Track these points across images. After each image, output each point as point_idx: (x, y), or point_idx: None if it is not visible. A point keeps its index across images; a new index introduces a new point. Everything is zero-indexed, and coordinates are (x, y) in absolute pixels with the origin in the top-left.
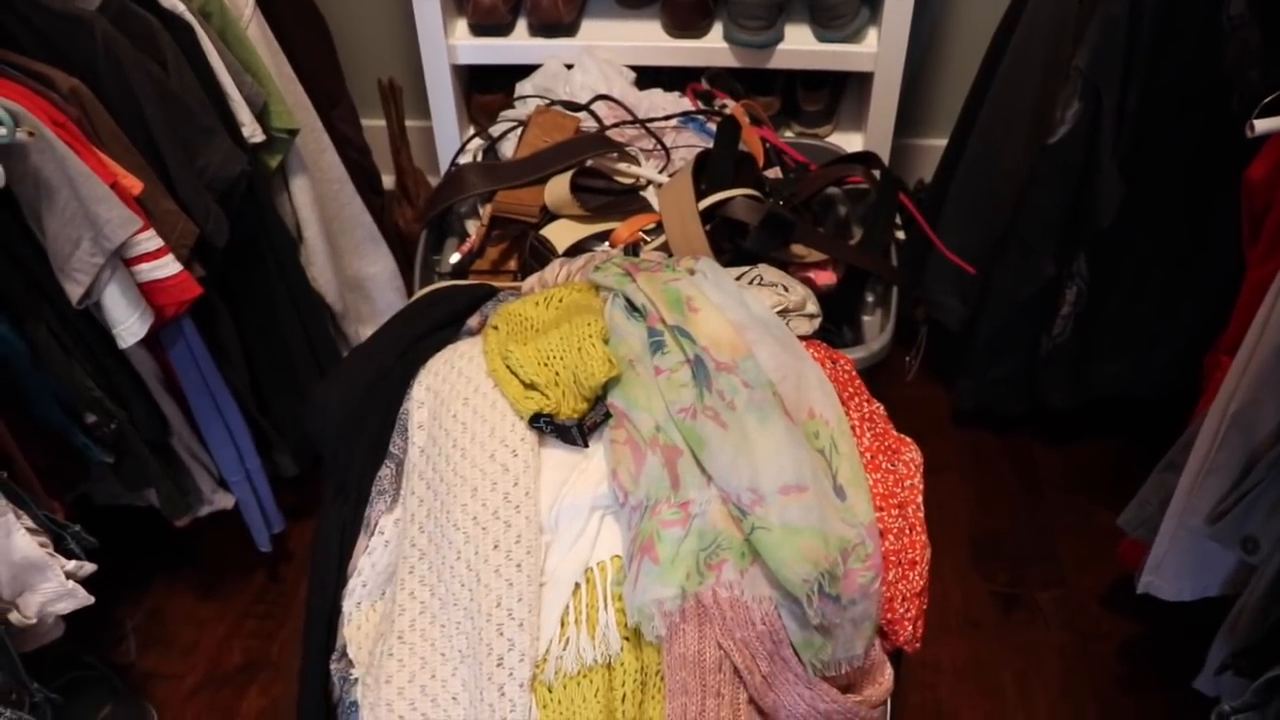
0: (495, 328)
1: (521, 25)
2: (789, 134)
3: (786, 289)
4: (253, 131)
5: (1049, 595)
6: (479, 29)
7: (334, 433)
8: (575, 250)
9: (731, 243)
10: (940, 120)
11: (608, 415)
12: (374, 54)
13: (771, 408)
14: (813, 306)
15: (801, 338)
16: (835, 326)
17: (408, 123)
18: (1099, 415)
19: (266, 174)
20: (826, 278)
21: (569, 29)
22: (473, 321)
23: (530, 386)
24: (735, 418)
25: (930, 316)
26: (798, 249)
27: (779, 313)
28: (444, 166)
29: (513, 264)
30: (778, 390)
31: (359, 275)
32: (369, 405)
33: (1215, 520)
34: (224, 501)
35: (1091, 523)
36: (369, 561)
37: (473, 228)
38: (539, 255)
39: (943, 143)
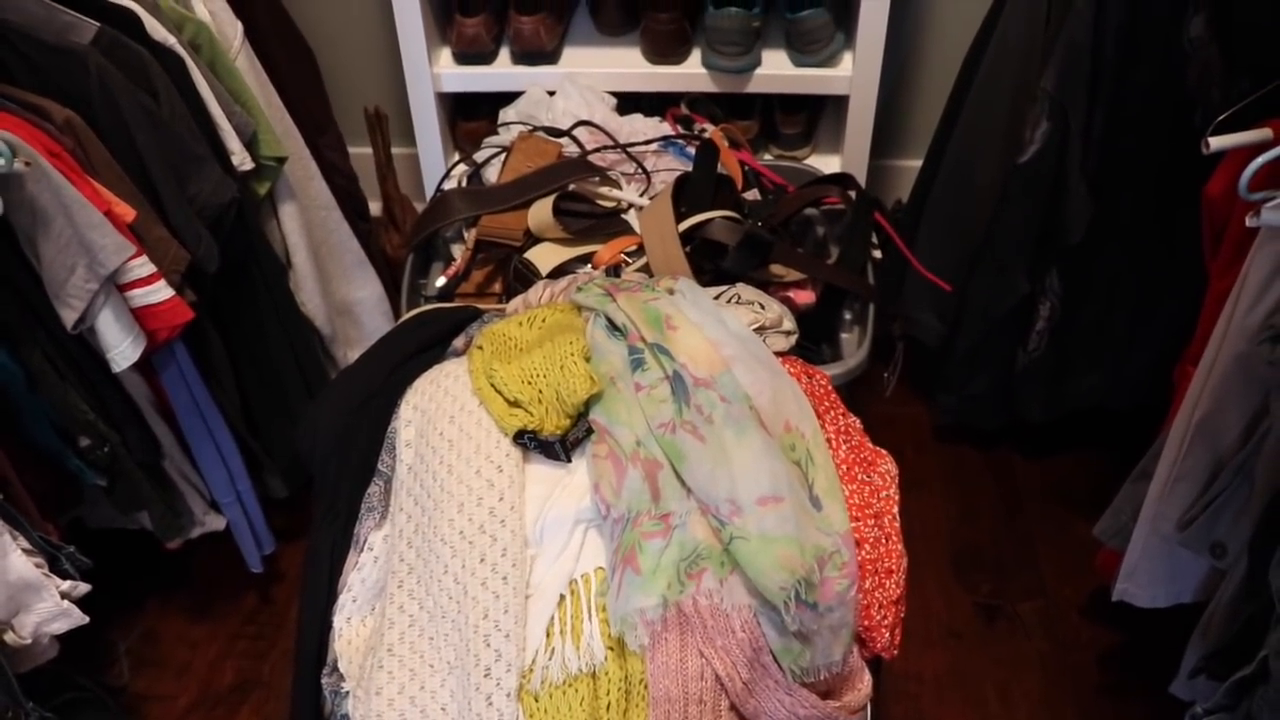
0: (480, 348)
1: (504, 53)
2: (768, 156)
3: (763, 307)
4: (242, 159)
5: (1030, 606)
6: (462, 57)
7: (324, 452)
8: (558, 272)
9: (711, 263)
10: (916, 142)
11: (590, 431)
12: (360, 83)
13: (748, 421)
14: (789, 324)
15: (778, 354)
16: (814, 344)
17: (394, 150)
18: (1078, 428)
19: (256, 201)
20: (805, 296)
21: (550, 57)
22: (458, 342)
23: (514, 404)
24: (713, 431)
25: (907, 333)
26: (776, 268)
27: (756, 330)
28: (429, 193)
29: (497, 287)
30: (754, 404)
31: (347, 300)
32: (358, 424)
33: (1184, 527)
34: (215, 523)
35: (1071, 534)
36: (359, 577)
37: (458, 252)
38: (523, 278)
39: (918, 164)
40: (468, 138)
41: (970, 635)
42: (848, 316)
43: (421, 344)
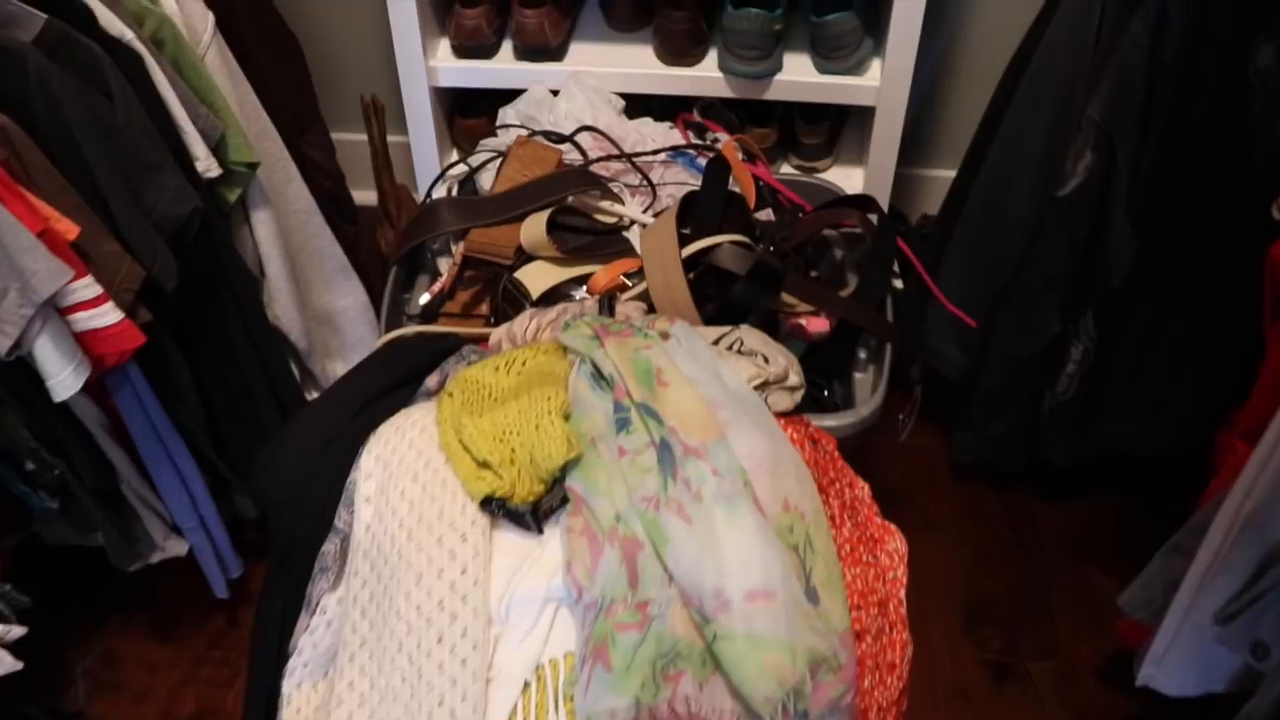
0: (450, 394)
1: (507, 47)
2: (786, 167)
3: (767, 360)
4: (207, 166)
5: (1043, 666)
6: (461, 50)
7: (279, 498)
8: (551, 295)
9: (718, 289)
10: (946, 151)
11: (565, 500)
12: (359, 69)
13: (741, 499)
14: (795, 377)
15: (781, 414)
16: (825, 381)
17: (393, 138)
18: (1103, 471)
19: (225, 208)
20: (819, 325)
21: (555, 53)
22: (431, 381)
23: (483, 465)
24: (701, 510)
25: (925, 376)
26: (788, 296)
27: (758, 386)
28: (423, 193)
29: (484, 308)
30: (750, 479)
31: (328, 309)
32: (316, 472)
33: (1224, 622)
34: (177, 548)
35: (1091, 587)
36: (310, 641)
37: (445, 266)
38: (512, 299)
39: (948, 174)
40: (466, 135)
41: (979, 696)
42: (863, 355)
43: (392, 381)
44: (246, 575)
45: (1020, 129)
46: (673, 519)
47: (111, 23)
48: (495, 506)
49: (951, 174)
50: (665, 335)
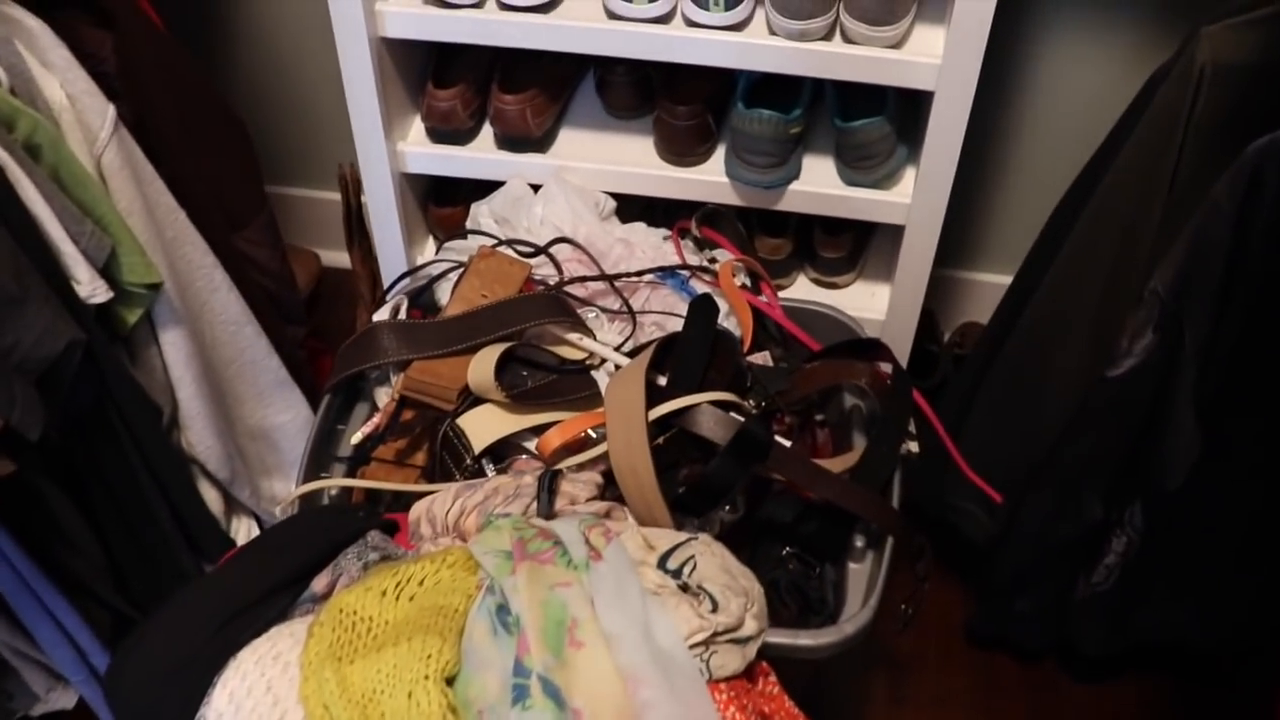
0: (321, 625)
1: (488, 131)
2: (804, 279)
3: (716, 606)
4: (91, 291)
5: None
6: (435, 134)
7: None
8: (501, 448)
9: (699, 449)
10: (997, 253)
11: None
12: (341, 131)
13: None
14: (752, 624)
15: (727, 680)
16: (817, 560)
17: None
18: (1141, 649)
19: (123, 332)
20: None
21: (539, 144)
22: (319, 585)
23: None
24: None
25: (930, 572)
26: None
27: (701, 643)
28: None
29: (421, 457)
30: None
31: (263, 425)
32: (163, 700)
33: None
34: (63, 700)
35: None
36: None
37: (384, 397)
38: (453, 450)
39: (996, 279)
40: (441, 225)
41: None
42: (860, 542)
43: (273, 583)
44: None
45: (1070, 279)
46: None
47: None
48: None
49: (1001, 279)
50: (597, 554)
